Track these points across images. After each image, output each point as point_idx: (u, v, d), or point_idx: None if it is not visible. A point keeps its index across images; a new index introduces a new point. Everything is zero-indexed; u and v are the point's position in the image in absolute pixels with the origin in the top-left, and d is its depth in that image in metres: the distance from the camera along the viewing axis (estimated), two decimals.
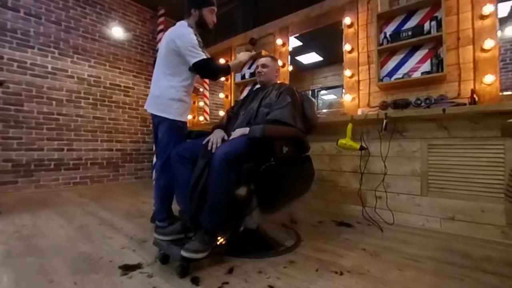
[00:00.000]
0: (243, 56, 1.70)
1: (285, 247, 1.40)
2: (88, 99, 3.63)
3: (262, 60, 1.67)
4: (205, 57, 1.45)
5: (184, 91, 1.54)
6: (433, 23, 2.05)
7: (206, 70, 1.49)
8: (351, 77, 2.56)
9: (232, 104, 3.25)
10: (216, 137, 1.33)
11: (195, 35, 1.50)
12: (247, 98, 1.70)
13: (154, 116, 1.58)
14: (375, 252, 1.37)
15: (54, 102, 3.30)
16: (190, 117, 4.31)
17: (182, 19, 1.60)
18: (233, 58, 3.73)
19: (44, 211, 2.15)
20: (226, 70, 1.59)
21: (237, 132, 1.34)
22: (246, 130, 1.30)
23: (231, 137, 1.33)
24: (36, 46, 3.17)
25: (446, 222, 1.71)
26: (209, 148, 1.28)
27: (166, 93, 1.51)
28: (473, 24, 1.96)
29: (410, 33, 2.14)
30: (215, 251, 1.20)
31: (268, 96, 1.53)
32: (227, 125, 1.59)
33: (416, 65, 2.21)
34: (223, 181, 1.16)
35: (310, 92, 4.10)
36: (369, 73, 2.46)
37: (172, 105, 1.50)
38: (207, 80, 4.62)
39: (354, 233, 1.69)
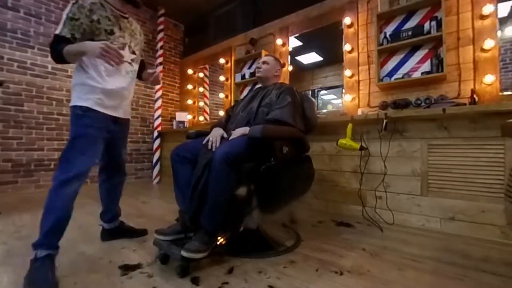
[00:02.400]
0: (91, 47, 1.07)
1: (285, 247, 1.40)
2: None
3: (264, 58, 1.69)
4: (57, 32, 1.13)
5: (85, 72, 1.20)
6: (433, 23, 2.05)
7: (50, 47, 1.15)
8: (351, 77, 2.56)
9: (232, 104, 3.25)
10: (215, 136, 1.33)
11: (78, 5, 1.15)
12: (247, 97, 1.70)
13: None
14: (375, 252, 1.37)
15: (54, 102, 3.30)
16: (190, 117, 4.32)
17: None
18: (233, 58, 3.73)
19: None
20: (57, 53, 1.12)
21: (237, 132, 1.34)
22: (246, 129, 1.30)
23: (231, 137, 1.33)
24: (36, 46, 3.17)
25: (446, 222, 1.71)
26: (209, 147, 1.28)
27: (73, 80, 1.25)
28: (473, 24, 1.96)
29: (410, 33, 2.15)
30: (215, 251, 1.20)
31: (268, 96, 1.53)
32: (226, 124, 1.60)
33: (416, 65, 2.21)
34: (223, 181, 1.16)
35: (310, 92, 4.10)
36: (369, 73, 2.46)
37: (74, 89, 1.23)
38: (207, 80, 4.62)
39: (354, 233, 1.69)
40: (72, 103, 1.22)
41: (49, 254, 1.08)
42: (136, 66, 1.42)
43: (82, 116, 1.20)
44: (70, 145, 1.18)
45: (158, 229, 1.27)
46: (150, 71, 1.51)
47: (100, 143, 1.26)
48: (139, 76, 1.52)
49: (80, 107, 1.20)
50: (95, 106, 1.22)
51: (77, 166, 1.14)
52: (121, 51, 1.22)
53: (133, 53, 1.38)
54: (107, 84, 1.24)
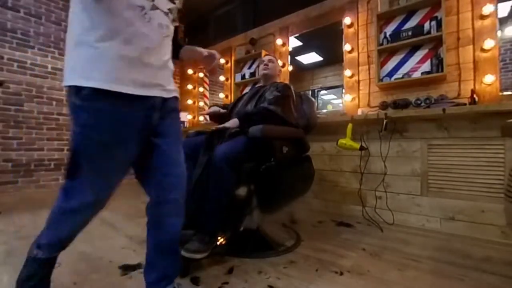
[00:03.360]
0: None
1: (285, 247, 1.40)
2: None
3: (268, 57, 1.78)
4: None
5: (82, 25, 0.67)
6: (433, 23, 2.04)
7: None
8: (351, 77, 2.56)
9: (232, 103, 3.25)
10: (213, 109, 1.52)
11: None
12: (246, 96, 1.72)
13: None
14: (375, 252, 1.37)
15: (54, 102, 3.30)
16: (190, 117, 4.31)
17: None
18: (233, 58, 3.72)
19: (44, 211, 2.13)
20: None
21: (231, 123, 1.37)
22: (235, 121, 1.39)
23: (226, 125, 1.36)
24: (36, 46, 3.17)
25: (446, 222, 1.71)
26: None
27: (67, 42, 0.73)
28: (473, 24, 1.96)
29: (410, 33, 2.14)
30: (215, 251, 1.20)
31: (265, 95, 1.55)
32: (224, 113, 1.69)
33: (416, 65, 2.20)
34: (223, 181, 1.17)
35: (310, 92, 4.10)
36: (369, 73, 2.46)
37: (68, 56, 0.71)
38: (207, 80, 4.62)
39: (354, 233, 1.69)
40: (65, 83, 0.69)
41: (51, 257, 0.91)
42: (170, 22, 0.82)
43: (81, 108, 0.67)
44: (71, 160, 0.74)
45: None
46: (200, 49, 0.94)
47: (128, 150, 0.76)
48: (173, 51, 0.90)
49: (78, 90, 0.65)
50: (108, 85, 0.65)
51: (82, 193, 0.77)
52: None
53: (171, 0, 0.80)
54: (129, 42, 0.67)
